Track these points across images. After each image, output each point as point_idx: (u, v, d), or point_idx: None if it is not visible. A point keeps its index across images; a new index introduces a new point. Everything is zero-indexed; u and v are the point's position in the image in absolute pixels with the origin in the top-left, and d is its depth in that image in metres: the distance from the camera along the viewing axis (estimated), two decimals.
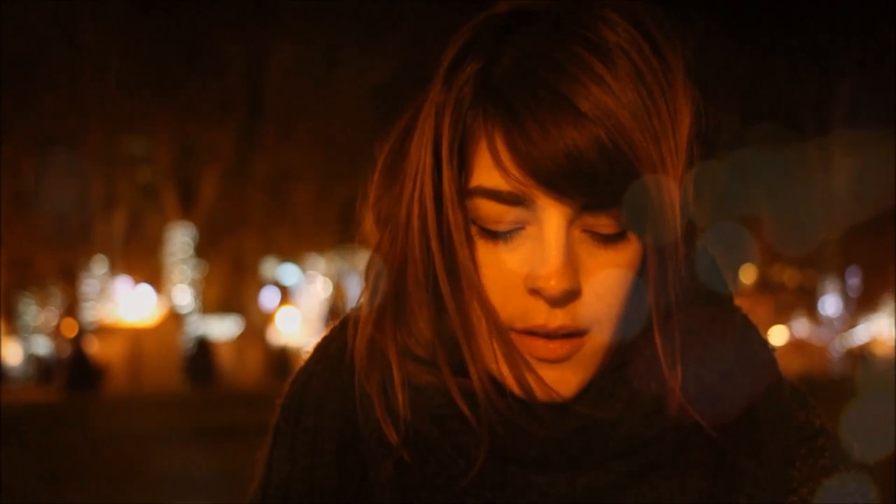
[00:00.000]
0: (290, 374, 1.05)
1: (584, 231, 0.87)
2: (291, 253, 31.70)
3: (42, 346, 30.30)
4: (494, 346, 0.89)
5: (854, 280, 37.26)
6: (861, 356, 36.14)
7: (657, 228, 0.87)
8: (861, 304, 37.75)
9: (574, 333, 0.88)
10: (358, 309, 0.99)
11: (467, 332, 0.90)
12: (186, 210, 29.23)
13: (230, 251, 30.27)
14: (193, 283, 29.84)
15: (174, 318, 29.65)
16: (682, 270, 0.88)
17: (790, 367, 1.03)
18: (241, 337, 31.53)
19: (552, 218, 0.86)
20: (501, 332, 0.89)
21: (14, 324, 29.97)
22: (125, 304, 29.35)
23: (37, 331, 30.19)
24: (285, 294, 32.73)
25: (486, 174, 0.87)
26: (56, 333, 30.05)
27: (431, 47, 0.94)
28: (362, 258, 1.00)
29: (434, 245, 0.90)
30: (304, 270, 32.33)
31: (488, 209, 0.87)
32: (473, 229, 0.89)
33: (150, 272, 29.51)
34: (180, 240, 29.22)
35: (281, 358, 30.47)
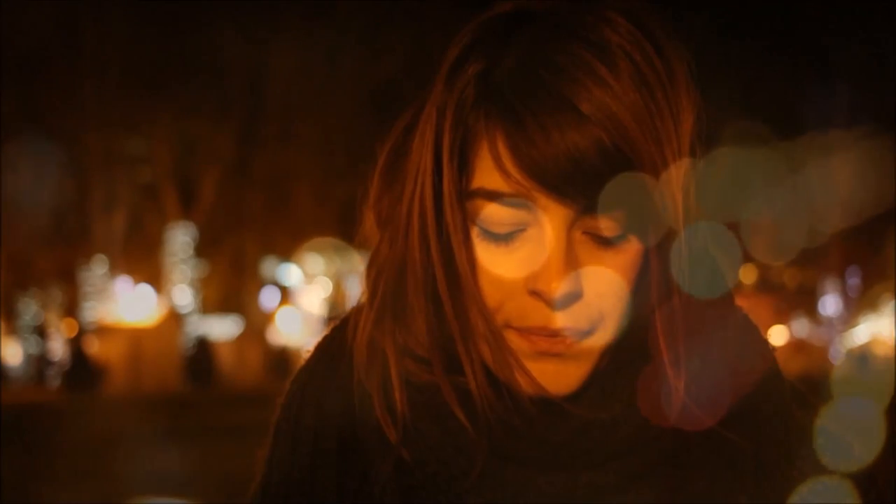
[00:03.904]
0: (291, 373, 1.05)
1: (585, 233, 0.87)
2: (291, 253, 31.69)
3: (42, 346, 30.28)
4: (485, 349, 0.89)
5: (854, 280, 37.23)
6: (861, 356, 36.10)
7: (659, 230, 0.87)
8: (861, 304, 37.72)
9: (576, 334, 0.88)
10: (358, 308, 0.99)
11: (465, 333, 0.90)
12: (186, 210, 29.21)
13: (230, 251, 30.24)
14: (193, 283, 29.81)
15: (174, 318, 29.62)
16: (684, 272, 0.88)
17: (790, 367, 1.03)
18: (241, 337, 31.50)
19: (553, 220, 0.86)
20: (496, 334, 0.89)
21: (14, 324, 29.94)
22: (125, 304, 29.32)
23: (37, 331, 30.16)
24: (285, 294, 32.70)
25: (487, 176, 0.87)
26: (56, 333, 30.03)
27: (431, 47, 0.94)
28: (362, 258, 1.00)
29: (433, 245, 0.90)
30: (304, 270, 32.32)
31: (489, 211, 0.87)
32: (475, 231, 0.89)
33: (150, 272, 29.47)
34: (180, 240, 29.20)
35: (281, 358, 30.42)
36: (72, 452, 12.76)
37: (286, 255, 31.90)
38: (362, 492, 0.96)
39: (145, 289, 29.78)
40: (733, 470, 0.93)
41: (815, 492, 0.94)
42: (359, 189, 0.98)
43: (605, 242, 0.87)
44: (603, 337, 0.89)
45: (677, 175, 0.86)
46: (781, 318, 35.59)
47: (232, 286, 31.23)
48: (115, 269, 28.97)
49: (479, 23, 0.91)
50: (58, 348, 29.69)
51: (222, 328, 31.42)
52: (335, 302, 31.26)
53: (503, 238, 0.88)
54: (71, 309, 29.46)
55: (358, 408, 0.97)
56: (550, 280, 0.86)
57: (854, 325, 37.76)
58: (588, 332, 0.88)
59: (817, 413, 0.98)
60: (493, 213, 0.87)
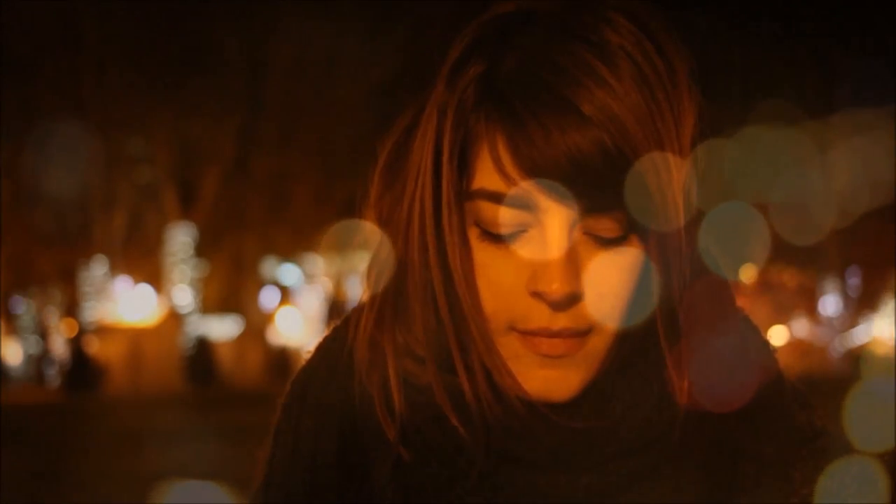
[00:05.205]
0: (291, 374, 1.05)
1: (586, 234, 0.87)
2: (291, 253, 31.69)
3: (42, 346, 30.29)
4: (484, 351, 0.89)
5: (854, 280, 37.26)
6: (861, 356, 36.11)
7: (660, 232, 0.87)
8: (861, 304, 37.74)
9: (577, 333, 0.88)
10: (359, 308, 0.99)
11: (460, 335, 0.90)
12: (186, 210, 29.22)
13: (230, 251, 30.25)
14: (193, 283, 29.82)
15: (174, 318, 29.63)
16: (685, 273, 0.88)
17: (790, 367, 1.03)
18: (241, 337, 31.50)
19: (554, 221, 0.86)
20: (486, 338, 0.89)
21: (14, 324, 29.95)
22: (125, 304, 29.33)
23: (37, 331, 30.17)
24: (285, 294, 32.71)
25: (488, 177, 0.87)
26: (56, 333, 30.04)
27: (432, 47, 0.94)
28: (362, 258, 1.00)
29: (431, 246, 0.90)
30: (304, 270, 32.33)
31: (490, 212, 0.87)
32: (476, 232, 0.89)
33: (150, 272, 29.48)
34: (180, 240, 29.20)
35: (281, 358, 30.42)
36: (72, 452, 12.76)
37: (286, 255, 31.90)
38: (362, 492, 0.96)
39: (145, 289, 29.79)
40: (734, 471, 0.93)
41: (816, 493, 0.94)
42: (359, 189, 0.98)
43: (606, 243, 0.87)
44: (603, 338, 0.89)
45: (678, 176, 0.86)
46: (781, 318, 35.58)
47: (232, 286, 31.24)
48: (115, 269, 28.97)
49: (479, 23, 0.91)
50: (58, 348, 29.69)
51: (222, 328, 31.42)
52: (335, 302, 31.25)
53: (504, 239, 0.88)
54: (71, 309, 29.46)
55: (358, 408, 0.97)
56: (552, 281, 0.85)
57: (854, 325, 37.77)
58: (588, 333, 0.88)
59: (818, 414, 0.98)
60: (494, 215, 0.87)
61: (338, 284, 31.76)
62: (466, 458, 0.91)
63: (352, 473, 0.97)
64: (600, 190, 0.84)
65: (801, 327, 37.38)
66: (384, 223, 0.95)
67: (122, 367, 28.10)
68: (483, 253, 0.89)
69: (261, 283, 32.20)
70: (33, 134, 25.60)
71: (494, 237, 0.88)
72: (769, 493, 0.94)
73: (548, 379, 0.89)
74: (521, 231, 0.87)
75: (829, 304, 37.23)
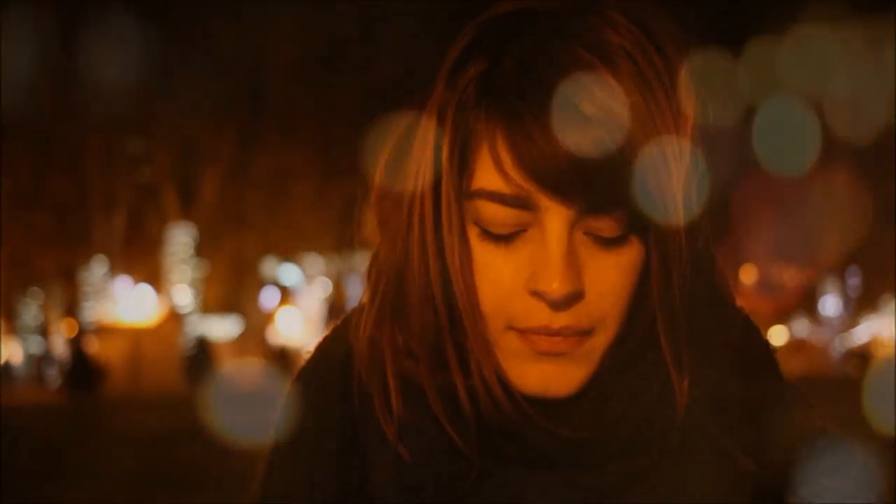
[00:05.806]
0: (291, 374, 1.05)
1: (587, 234, 0.87)
2: (291, 253, 31.71)
3: (42, 345, 30.30)
4: (480, 351, 0.89)
5: (854, 280, 37.31)
6: (861, 356, 36.15)
7: (660, 231, 0.87)
8: (861, 304, 37.79)
9: (577, 332, 0.88)
10: (359, 308, 0.99)
11: (457, 334, 0.90)
12: (186, 210, 29.23)
13: (230, 251, 30.26)
14: (193, 283, 29.83)
15: (174, 318, 29.65)
16: (685, 272, 0.89)
17: (790, 367, 1.03)
18: (241, 337, 31.53)
19: (554, 221, 0.86)
20: (482, 339, 0.89)
21: (14, 324, 29.96)
22: (125, 304, 29.35)
23: (37, 331, 30.18)
24: (285, 294, 32.73)
25: (488, 176, 0.87)
26: (56, 333, 30.05)
27: (432, 47, 0.94)
28: (362, 258, 1.00)
29: (431, 246, 0.90)
30: (304, 270, 32.35)
31: (490, 211, 0.87)
32: (475, 231, 0.89)
33: (150, 272, 29.51)
34: (180, 240, 29.22)
35: (281, 358, 30.46)
36: (72, 453, 12.76)
37: (286, 255, 31.92)
38: (362, 492, 0.96)
39: (145, 289, 29.81)
40: (733, 471, 0.93)
41: (815, 493, 0.94)
42: (359, 189, 0.98)
43: (606, 243, 0.87)
44: (604, 337, 0.89)
45: (678, 175, 0.86)
46: (781, 318, 35.60)
47: (232, 286, 31.26)
48: (115, 269, 28.99)
49: (479, 23, 0.91)
50: (58, 348, 29.70)
51: (222, 328, 31.44)
52: (335, 302, 31.27)
53: (504, 239, 0.88)
54: (71, 309, 29.48)
55: (358, 408, 0.97)
56: (552, 281, 0.86)
57: (854, 325, 37.80)
58: (589, 332, 0.88)
59: (818, 414, 0.98)
60: (494, 214, 0.87)
61: (338, 284, 31.78)
62: (466, 458, 0.91)
63: (352, 474, 0.97)
64: (600, 189, 0.84)
65: (801, 327, 37.42)
66: (384, 224, 0.95)
67: (122, 367, 28.12)
68: (483, 252, 0.89)
69: (261, 283, 32.23)
70: (33, 134, 25.59)
71: (494, 237, 0.88)
72: (769, 494, 0.94)
73: (546, 373, 0.89)
74: (521, 231, 0.88)
75: (829, 304, 37.28)
